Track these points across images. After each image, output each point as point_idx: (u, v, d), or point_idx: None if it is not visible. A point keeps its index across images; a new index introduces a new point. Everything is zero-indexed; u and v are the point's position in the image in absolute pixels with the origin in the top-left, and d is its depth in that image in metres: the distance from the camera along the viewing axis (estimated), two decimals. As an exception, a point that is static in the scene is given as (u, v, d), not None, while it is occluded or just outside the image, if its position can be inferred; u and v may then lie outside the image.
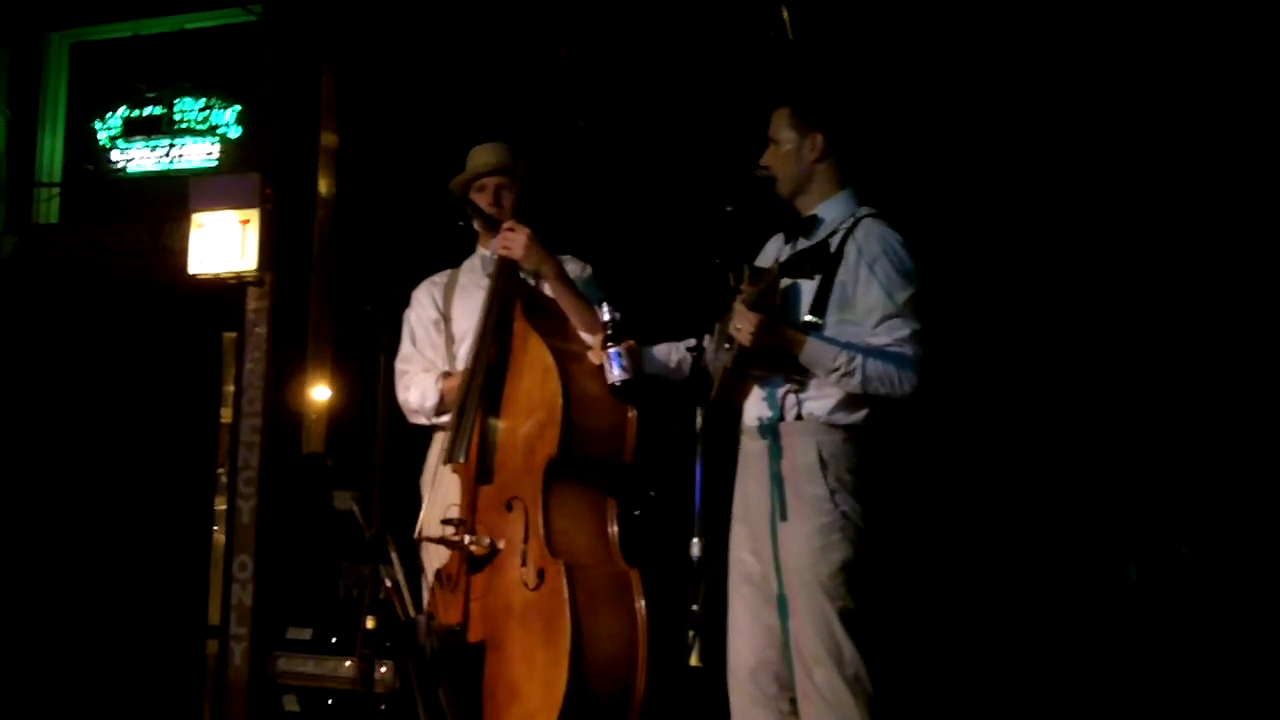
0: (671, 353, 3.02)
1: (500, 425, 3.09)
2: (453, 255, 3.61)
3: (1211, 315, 4.00)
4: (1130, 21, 4.02)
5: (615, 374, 2.88)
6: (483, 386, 3.11)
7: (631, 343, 2.94)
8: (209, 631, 5.34)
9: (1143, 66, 4.02)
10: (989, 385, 4.06)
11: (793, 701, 2.75)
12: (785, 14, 4.03)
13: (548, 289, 3.25)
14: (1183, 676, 3.77)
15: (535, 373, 3.02)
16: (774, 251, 2.99)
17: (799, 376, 2.75)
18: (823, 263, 2.65)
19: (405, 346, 3.47)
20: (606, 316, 2.92)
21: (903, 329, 2.71)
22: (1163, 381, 4.04)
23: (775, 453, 2.76)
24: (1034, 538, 4.02)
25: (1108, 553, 4.01)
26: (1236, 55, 3.95)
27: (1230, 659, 3.73)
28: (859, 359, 2.67)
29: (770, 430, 2.79)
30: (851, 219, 2.84)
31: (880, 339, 2.71)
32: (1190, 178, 4.00)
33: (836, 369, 2.68)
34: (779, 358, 2.74)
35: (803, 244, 2.88)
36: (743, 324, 2.68)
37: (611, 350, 2.89)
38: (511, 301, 3.16)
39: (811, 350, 2.70)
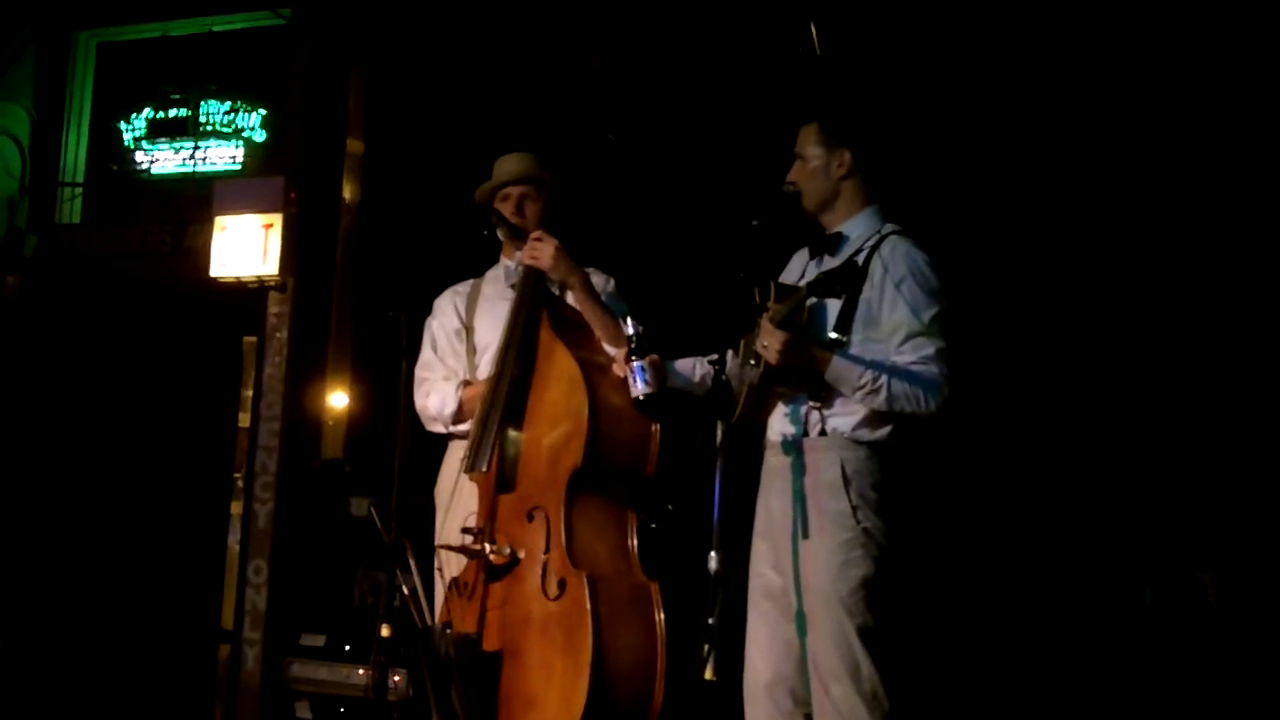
0: (695, 367, 3.03)
1: (523, 435, 3.10)
2: (476, 264, 3.62)
3: (1233, 342, 3.99)
4: (1162, 40, 4.01)
5: (639, 388, 2.89)
6: (507, 396, 3.12)
7: (655, 357, 2.95)
8: (222, 636, 5.34)
9: (1172, 86, 4.02)
10: (1010, 405, 4.05)
11: (808, 717, 2.75)
12: (813, 30, 4.04)
13: (571, 300, 3.26)
14: (1198, 700, 3.75)
15: (561, 383, 3.03)
16: (798, 267, 3.00)
17: (824, 394, 2.75)
18: (853, 282, 2.66)
19: (426, 354, 3.47)
20: (630, 330, 2.93)
21: (928, 347, 2.71)
22: (1183, 407, 4.03)
23: (798, 469, 2.77)
24: (1052, 559, 4.01)
25: (1124, 575, 4.00)
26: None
27: (1245, 683, 3.72)
28: (884, 377, 2.67)
29: (794, 446, 2.79)
30: (876, 236, 2.85)
31: (905, 357, 2.71)
32: (1218, 198, 3.99)
33: (862, 387, 2.68)
34: (805, 375, 2.75)
35: (828, 261, 2.88)
36: (770, 342, 2.69)
37: (635, 364, 2.90)
38: (538, 312, 3.17)
39: (837, 369, 2.70)
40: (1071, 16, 4.12)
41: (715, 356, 2.84)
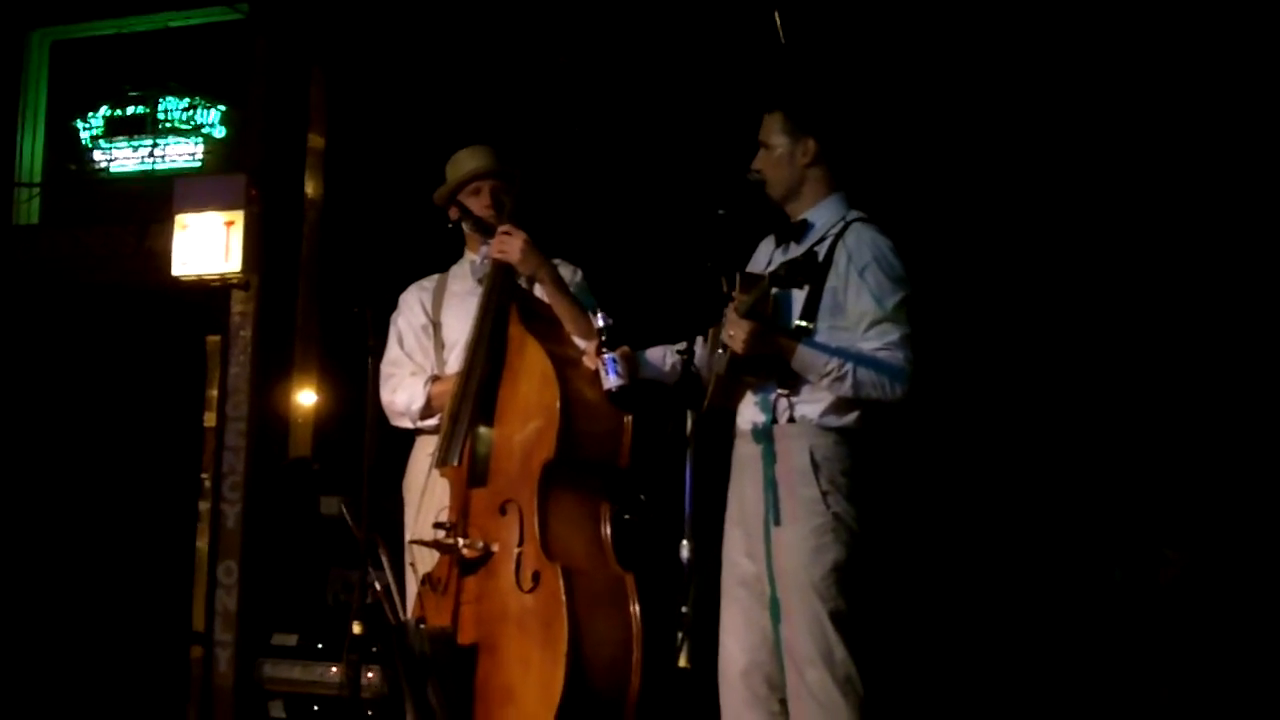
0: (666, 356, 3.03)
1: (495, 429, 3.09)
2: (442, 258, 3.60)
3: (1190, 320, 4.04)
4: (1119, 29, 4.06)
5: (611, 380, 2.89)
6: (477, 390, 3.11)
7: (626, 349, 2.95)
8: (193, 638, 5.30)
9: (1129, 74, 4.06)
10: (978, 389, 4.09)
11: (783, 703, 2.77)
12: (777, 19, 4.05)
13: (539, 293, 3.26)
14: (1168, 675, 3.80)
15: (533, 377, 3.03)
16: (765, 254, 3.01)
17: (792, 382, 2.77)
18: (814, 273, 2.68)
19: (393, 350, 3.45)
20: (601, 323, 2.92)
21: (893, 333, 2.73)
22: (1147, 385, 4.08)
23: (769, 456, 2.78)
24: (1022, 540, 4.05)
25: (1094, 554, 4.05)
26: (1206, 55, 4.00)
27: (1214, 657, 3.77)
28: (850, 365, 2.69)
29: (764, 434, 2.81)
30: (841, 223, 2.86)
31: (871, 344, 2.73)
32: (1162, 183, 4.05)
33: (828, 374, 2.70)
34: (772, 364, 2.76)
35: (794, 248, 2.90)
36: (736, 331, 2.70)
37: (606, 356, 2.89)
38: (507, 306, 3.16)
39: (803, 357, 2.72)
40: (1031, 4, 4.16)
41: (683, 345, 2.84)
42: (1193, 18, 3.97)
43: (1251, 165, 3.96)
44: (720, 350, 2.79)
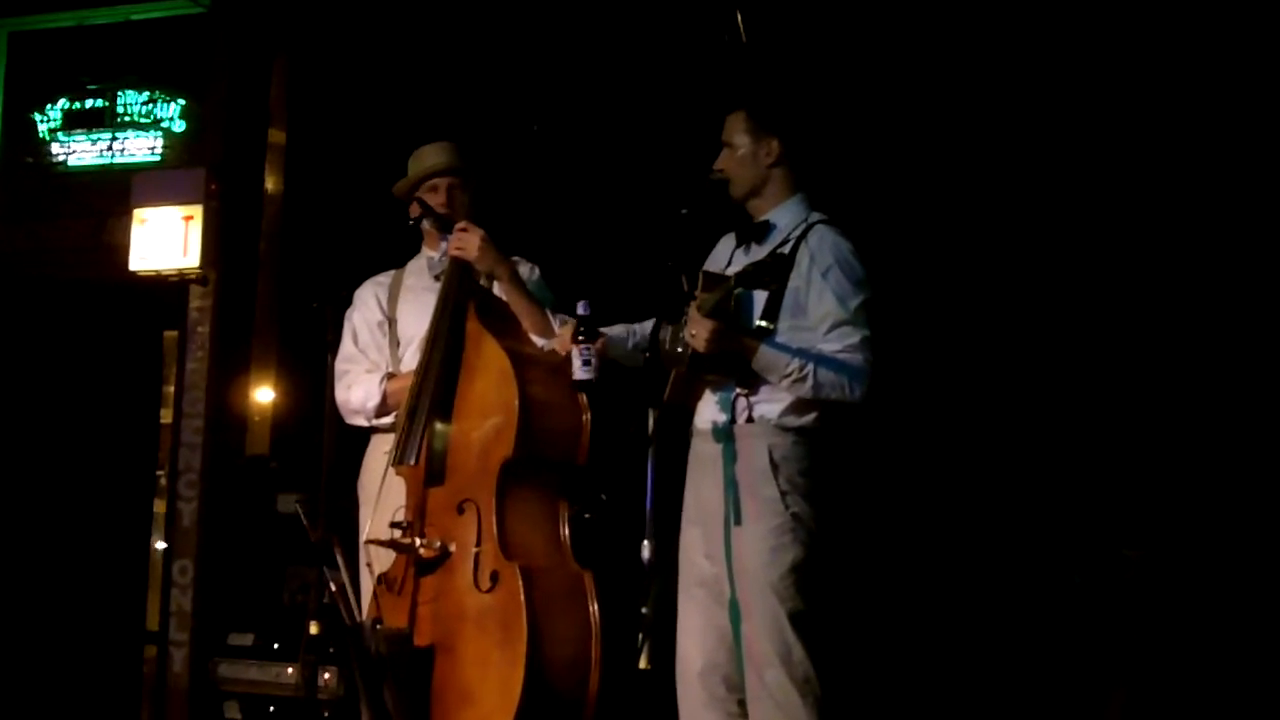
0: (629, 338, 3.01)
1: (452, 427, 3.07)
2: (401, 255, 3.58)
3: (1144, 323, 4.08)
4: (1089, 26, 4.10)
5: (581, 372, 2.85)
6: (434, 388, 3.09)
7: (602, 343, 2.91)
8: (147, 637, 5.25)
9: (1103, 72, 4.10)
10: (937, 392, 4.11)
11: (741, 704, 2.77)
12: (739, 17, 4.05)
13: (497, 290, 3.24)
14: (1128, 676, 3.83)
15: (490, 375, 3.00)
16: (725, 252, 3.01)
17: (752, 381, 2.77)
18: (779, 274, 2.68)
19: (348, 346, 3.42)
20: (581, 311, 2.87)
21: (853, 335, 2.74)
22: (1104, 387, 4.11)
23: (729, 456, 2.78)
24: (982, 541, 4.07)
25: (1053, 557, 4.07)
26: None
27: (1173, 658, 3.81)
28: (810, 366, 2.70)
29: (723, 433, 2.81)
30: (804, 225, 2.87)
31: (832, 345, 2.74)
32: (1122, 189, 4.09)
33: (789, 375, 2.71)
34: (733, 363, 2.76)
35: (755, 249, 2.91)
36: (698, 330, 2.70)
37: (583, 346, 2.86)
38: (464, 303, 3.14)
39: (764, 357, 2.72)
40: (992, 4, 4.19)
41: (646, 344, 2.83)
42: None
43: (1193, 158, 4.01)
44: (681, 348, 2.78)
